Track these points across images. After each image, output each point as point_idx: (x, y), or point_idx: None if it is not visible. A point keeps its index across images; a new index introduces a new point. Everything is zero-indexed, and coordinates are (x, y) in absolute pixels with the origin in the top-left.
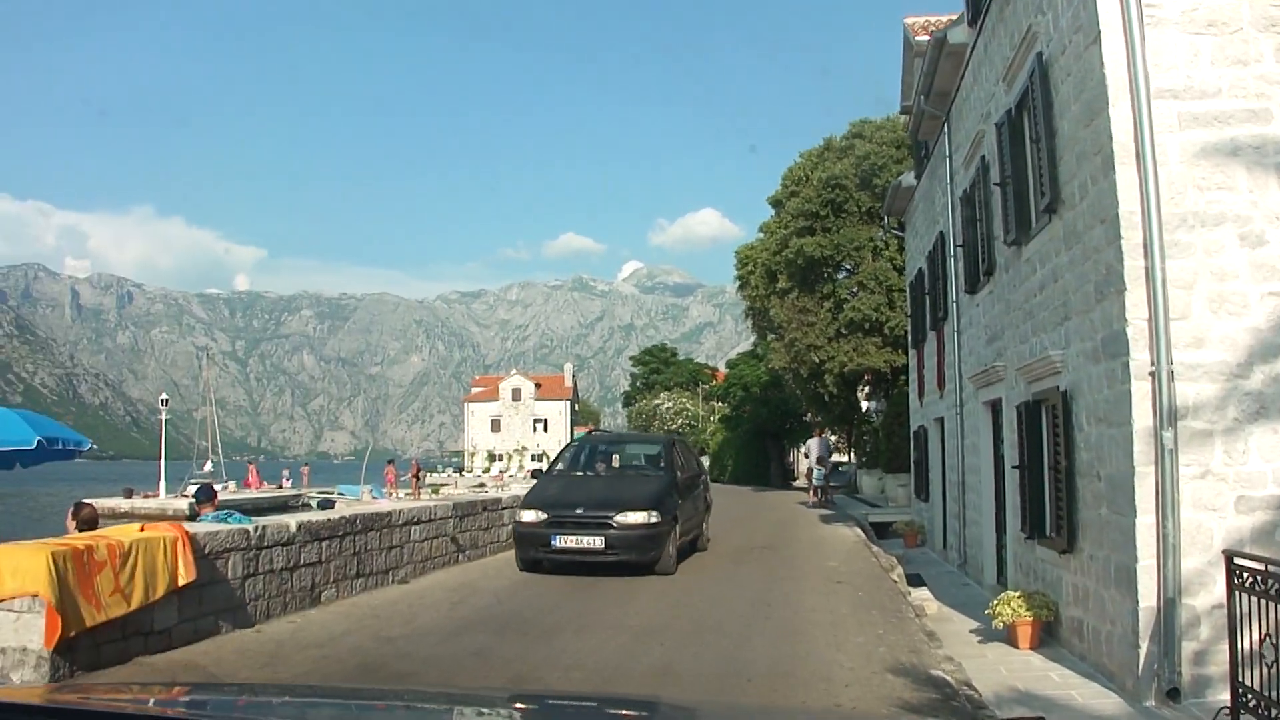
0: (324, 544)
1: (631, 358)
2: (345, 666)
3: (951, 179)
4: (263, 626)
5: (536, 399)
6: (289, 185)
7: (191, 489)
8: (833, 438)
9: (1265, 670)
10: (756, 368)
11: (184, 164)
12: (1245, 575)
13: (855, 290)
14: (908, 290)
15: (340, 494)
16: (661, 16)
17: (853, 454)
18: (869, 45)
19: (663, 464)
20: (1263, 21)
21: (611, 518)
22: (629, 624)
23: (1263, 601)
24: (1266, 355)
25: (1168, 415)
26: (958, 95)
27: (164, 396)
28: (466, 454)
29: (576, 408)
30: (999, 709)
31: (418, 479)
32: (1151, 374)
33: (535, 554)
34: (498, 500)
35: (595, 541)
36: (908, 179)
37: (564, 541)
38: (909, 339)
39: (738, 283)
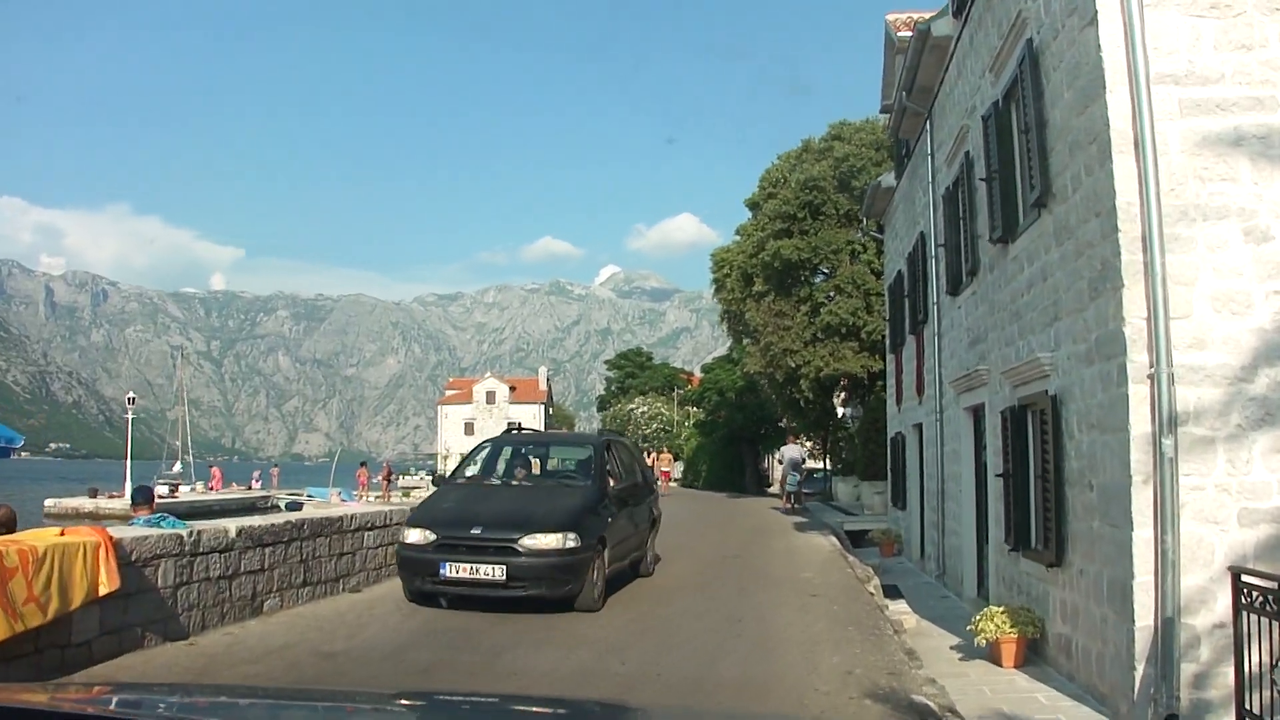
0: (267, 550)
1: (606, 361)
2: (277, 685)
3: (933, 177)
4: (197, 639)
5: (511, 402)
6: (267, 185)
7: (160, 488)
8: (807, 444)
9: (1273, 694)
10: (732, 372)
11: (163, 162)
12: (1254, 594)
13: (832, 294)
14: (886, 293)
15: (309, 496)
16: (646, 23)
17: (828, 460)
18: (838, 54)
19: (591, 471)
20: (1267, 5)
21: (516, 541)
22: (590, 638)
23: (1272, 622)
24: (1272, 358)
25: (1167, 421)
26: (941, 90)
27: (131, 395)
28: (440, 457)
29: (551, 411)
30: None
31: (388, 481)
32: (1150, 377)
33: (421, 585)
34: None
35: (494, 572)
36: (887, 179)
37: (455, 570)
38: (887, 343)
39: (714, 286)
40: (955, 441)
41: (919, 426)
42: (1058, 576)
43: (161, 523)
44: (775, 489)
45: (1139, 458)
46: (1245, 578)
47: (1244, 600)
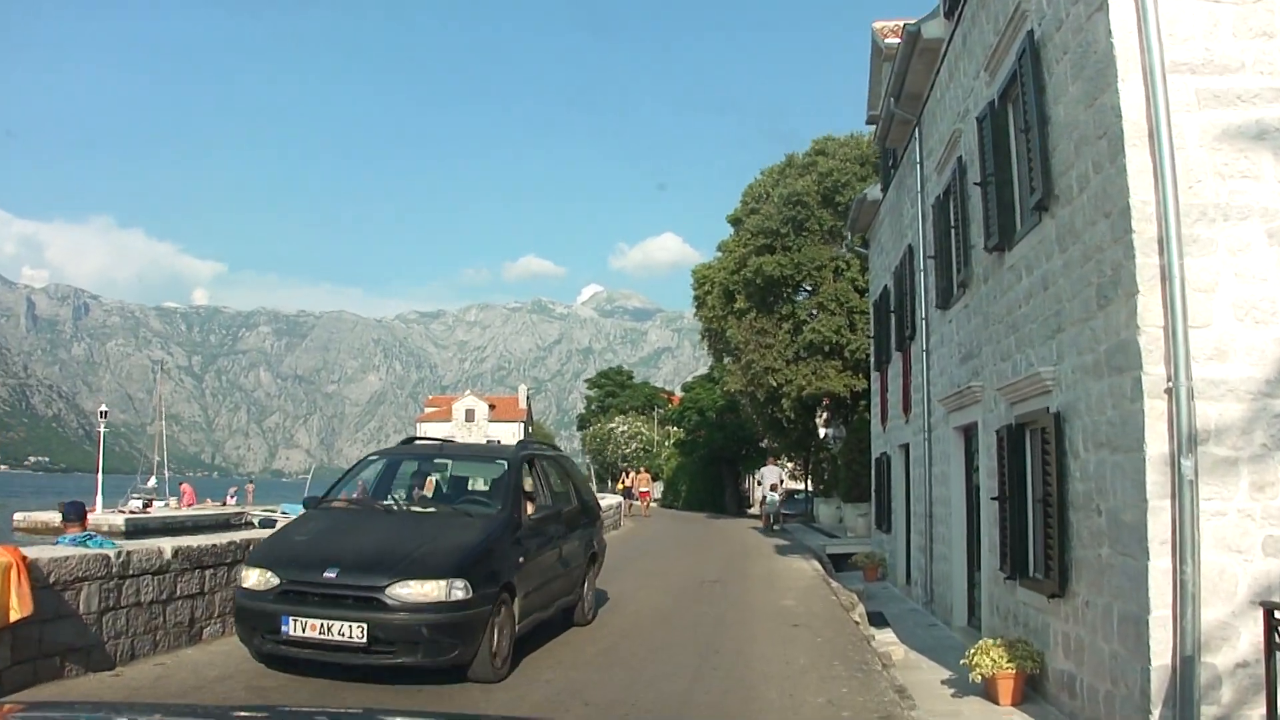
0: (208, 572)
1: (587, 380)
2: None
3: (922, 186)
4: (124, 669)
5: (490, 420)
6: (250, 200)
7: (133, 504)
8: (788, 465)
9: None
10: (712, 391)
11: (146, 175)
12: None
13: (815, 311)
14: (871, 310)
15: (284, 512)
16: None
17: (810, 481)
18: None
19: (501, 495)
20: None
21: (383, 589)
22: (546, 678)
23: None
24: None
25: (1187, 440)
26: (931, 96)
27: (103, 409)
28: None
29: (530, 430)
30: None
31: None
32: (1168, 391)
33: (261, 644)
34: None
35: (352, 631)
36: (873, 192)
37: (301, 628)
38: (871, 361)
39: (695, 303)
40: (944, 462)
41: (905, 447)
42: (1060, 608)
43: (88, 542)
44: (756, 510)
45: (1156, 480)
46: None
47: (1278, 638)
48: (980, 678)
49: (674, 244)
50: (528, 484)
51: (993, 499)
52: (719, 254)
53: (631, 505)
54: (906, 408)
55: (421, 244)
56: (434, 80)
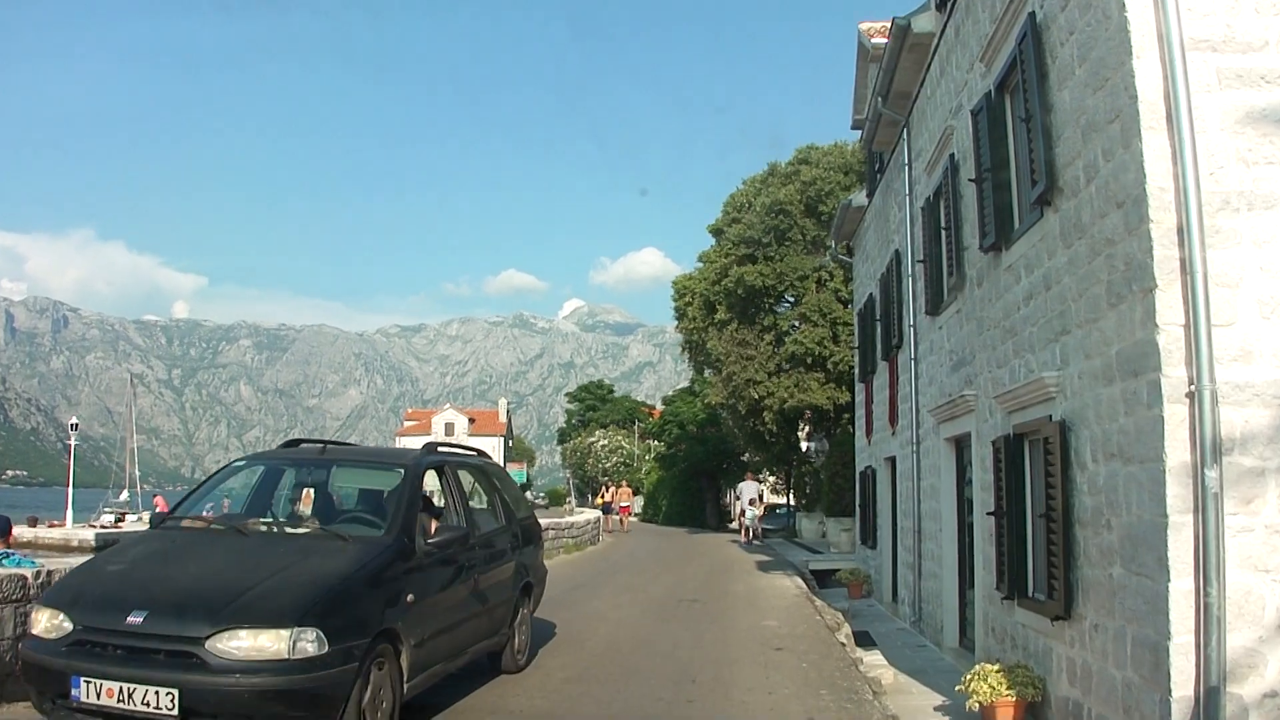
0: None
1: (567, 394)
2: None
3: (911, 189)
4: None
5: (470, 434)
6: (232, 214)
7: (105, 517)
8: (770, 479)
9: None
10: (693, 404)
11: (128, 188)
12: None
13: (797, 323)
14: (855, 319)
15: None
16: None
17: (792, 496)
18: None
19: (391, 513)
20: None
21: (203, 641)
22: (504, 707)
23: None
24: None
25: (1211, 449)
26: (921, 93)
27: (74, 421)
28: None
29: (510, 444)
30: None
31: None
32: (1189, 395)
33: (52, 711)
34: None
35: (160, 699)
36: (858, 198)
37: (95, 693)
38: (856, 372)
39: (675, 315)
40: (934, 475)
41: (891, 459)
42: (1064, 631)
43: (4, 561)
44: (737, 524)
45: (1177, 493)
46: None
47: None
48: (978, 705)
49: (655, 258)
50: (436, 498)
51: (988, 514)
52: (700, 264)
53: (611, 520)
54: (893, 419)
55: (404, 258)
56: (420, 95)
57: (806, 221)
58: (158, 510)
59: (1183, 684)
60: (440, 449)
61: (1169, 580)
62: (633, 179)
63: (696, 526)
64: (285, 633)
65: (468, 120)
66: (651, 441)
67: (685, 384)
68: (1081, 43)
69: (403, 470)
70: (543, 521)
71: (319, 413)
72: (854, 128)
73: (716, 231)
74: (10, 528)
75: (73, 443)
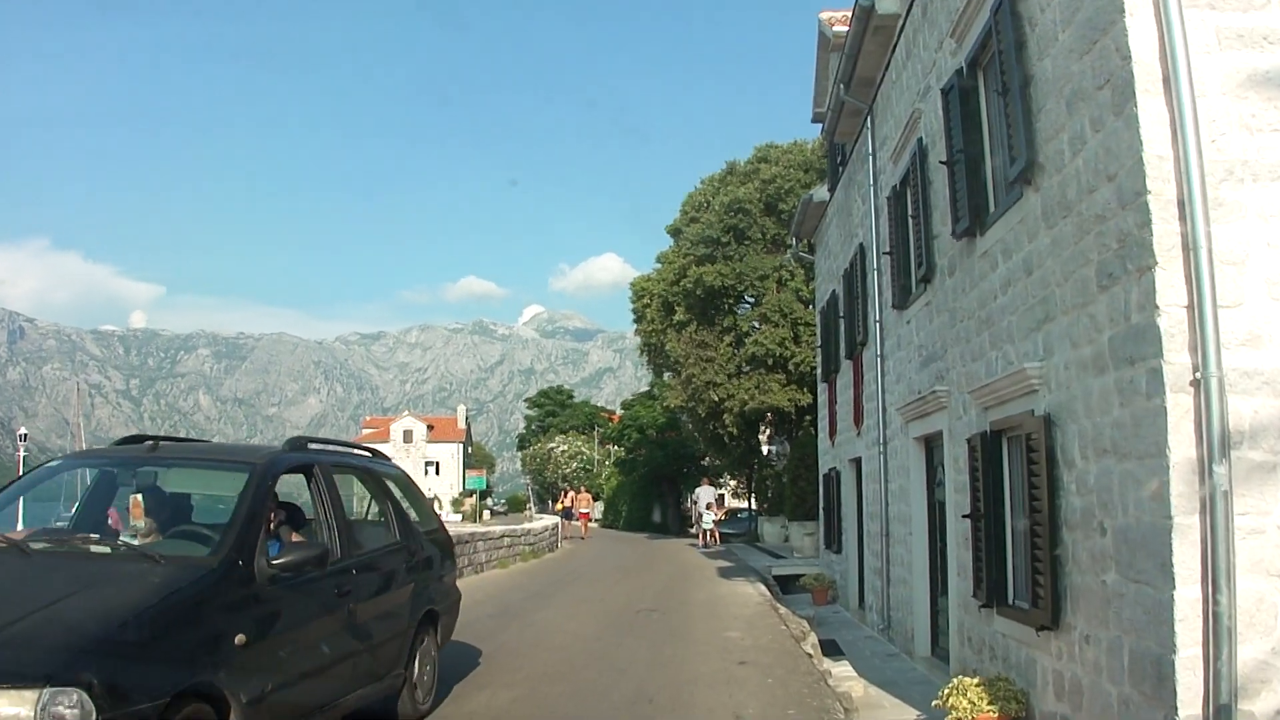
0: None
1: (526, 399)
2: None
3: (875, 179)
4: None
5: (429, 441)
6: (189, 221)
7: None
8: (730, 483)
9: None
10: (653, 409)
11: (83, 197)
12: None
13: (758, 323)
14: (818, 317)
15: None
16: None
17: (754, 500)
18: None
19: (226, 527)
20: None
21: None
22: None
23: None
24: None
25: (1219, 442)
26: (885, 79)
27: (22, 432)
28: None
29: (470, 450)
30: None
31: None
32: (1194, 383)
33: None
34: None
35: None
36: (819, 193)
37: None
38: (818, 372)
39: (633, 317)
40: (903, 476)
41: (857, 461)
42: (1050, 642)
43: None
44: (695, 529)
45: (1181, 491)
46: None
47: None
48: None
49: (615, 264)
50: (310, 507)
51: (963, 516)
52: (658, 265)
53: (570, 526)
54: (858, 419)
55: (361, 265)
56: (371, 103)
57: (766, 220)
58: None
59: (1190, 701)
60: (311, 445)
61: (1174, 588)
62: (588, 187)
63: (657, 532)
64: (31, 694)
65: (425, 124)
66: (611, 446)
67: (645, 389)
68: (1065, 4)
69: (249, 471)
70: (499, 529)
71: (279, 421)
72: (814, 121)
73: (675, 232)
74: None
75: (21, 454)
